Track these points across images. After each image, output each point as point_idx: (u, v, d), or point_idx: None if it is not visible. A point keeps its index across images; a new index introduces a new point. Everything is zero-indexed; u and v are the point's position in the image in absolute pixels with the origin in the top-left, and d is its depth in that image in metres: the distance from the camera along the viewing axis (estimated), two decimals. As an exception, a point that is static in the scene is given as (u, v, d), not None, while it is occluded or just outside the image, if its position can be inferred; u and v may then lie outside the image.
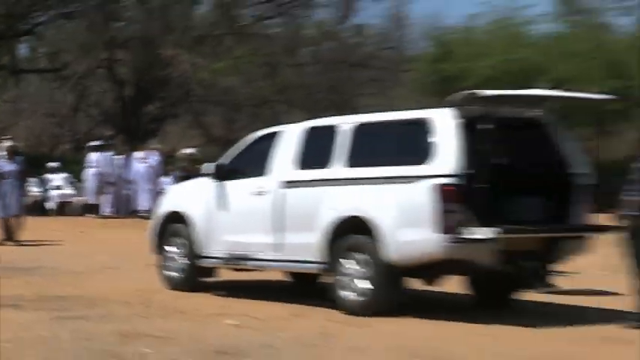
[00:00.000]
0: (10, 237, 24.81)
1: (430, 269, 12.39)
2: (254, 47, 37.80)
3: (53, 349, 9.33)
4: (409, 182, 11.82)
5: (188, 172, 26.79)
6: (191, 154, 31.38)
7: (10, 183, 25.94)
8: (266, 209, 13.78)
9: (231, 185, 14.72)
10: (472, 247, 11.45)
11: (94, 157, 34.31)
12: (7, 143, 26.91)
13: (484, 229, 11.30)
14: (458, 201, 11.40)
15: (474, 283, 13.39)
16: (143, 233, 17.92)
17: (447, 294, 14.09)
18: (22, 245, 24.77)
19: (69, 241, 27.28)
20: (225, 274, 15.89)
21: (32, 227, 27.08)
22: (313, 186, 13.28)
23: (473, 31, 31.36)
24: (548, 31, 35.35)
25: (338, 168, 12.89)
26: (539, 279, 13.10)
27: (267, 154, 14.25)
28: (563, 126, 13.74)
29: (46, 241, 26.47)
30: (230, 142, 19.12)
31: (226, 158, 15.63)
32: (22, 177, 27.35)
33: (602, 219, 13.45)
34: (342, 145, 13.02)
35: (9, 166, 25.76)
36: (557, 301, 14.22)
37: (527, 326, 11.59)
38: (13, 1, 36.36)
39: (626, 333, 11.19)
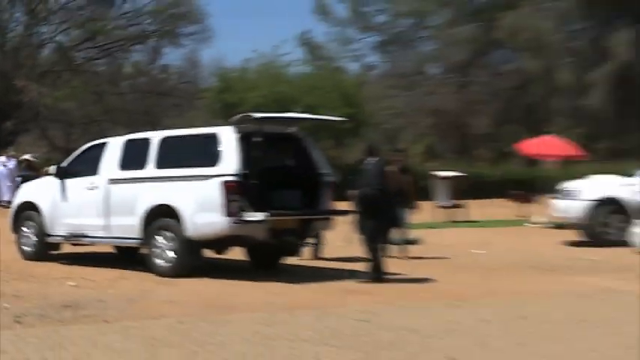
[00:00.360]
0: None
1: (219, 242, 14.45)
2: (86, 80, 41.83)
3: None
4: (203, 179, 13.73)
5: (28, 172, 30.46)
6: (28, 159, 34.37)
7: None
8: (97, 200, 15.42)
9: (70, 182, 16.17)
10: (249, 226, 13.46)
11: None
12: None
13: (257, 213, 13.30)
14: (237, 193, 13.32)
15: (251, 252, 15.38)
16: (6, 219, 19.14)
17: (232, 260, 15.70)
18: None
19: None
20: (68, 249, 17.08)
21: None
22: (132, 182, 14.95)
23: (247, 71, 33.25)
24: (299, 72, 39.14)
25: (150, 169, 14.68)
26: (297, 249, 15.58)
27: (97, 158, 15.82)
28: (312, 139, 15.81)
29: None
30: (69, 151, 20.43)
31: (66, 162, 17.15)
32: None
33: (341, 205, 15.66)
34: (152, 152, 14.85)
35: None
36: (312, 265, 16.28)
37: (291, 282, 13.54)
38: None
39: (362, 286, 13.28)
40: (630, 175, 20.64)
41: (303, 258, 16.90)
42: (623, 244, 16.58)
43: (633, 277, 14.44)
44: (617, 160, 31.92)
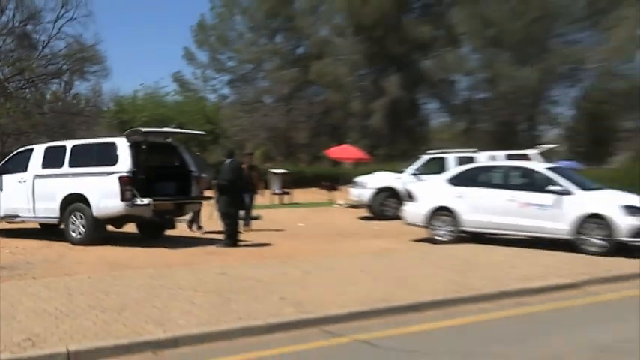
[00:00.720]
0: None
1: (118, 220, 14.39)
2: (17, 103, 39.71)
3: None
4: (105, 175, 13.52)
5: None
6: None
7: None
8: (27, 190, 14.89)
9: (6, 177, 15.54)
10: (138, 208, 13.43)
11: None
12: None
13: (144, 199, 13.34)
14: (129, 184, 13.26)
15: (140, 226, 15.30)
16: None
17: (127, 232, 15.23)
18: None
19: None
20: (6, 226, 15.98)
21: None
22: (52, 177, 14.54)
23: (136, 98, 33.06)
24: (174, 99, 38.26)
25: (65, 168, 14.30)
26: (174, 224, 15.29)
27: (26, 160, 15.26)
28: (183, 147, 15.65)
29: None
30: (4, 155, 19.98)
31: (3, 163, 16.47)
32: None
33: (207, 193, 15.73)
34: (67, 155, 14.43)
35: None
36: (186, 235, 15.77)
37: (170, 248, 13.46)
38: None
39: (221, 250, 13.29)
40: (400, 172, 21.06)
41: (186, 230, 16.50)
42: (397, 218, 16.86)
43: (403, 240, 15.15)
44: (390, 162, 32.66)
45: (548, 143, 37.26)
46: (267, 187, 24.39)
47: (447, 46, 47.40)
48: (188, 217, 16.40)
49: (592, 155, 45.22)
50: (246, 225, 16.47)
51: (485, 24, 45.91)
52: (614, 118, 45.81)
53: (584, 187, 13.53)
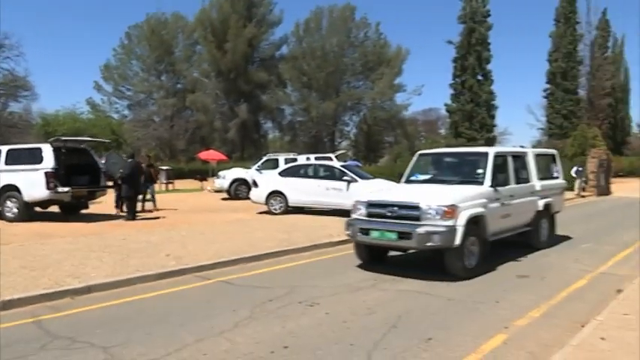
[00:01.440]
0: None
1: (44, 203, 13.05)
2: None
3: None
4: (34, 170, 12.27)
5: None
6: None
7: None
8: None
9: None
10: (60, 194, 12.40)
11: None
12: None
13: (64, 187, 12.42)
14: (53, 177, 12.22)
15: (62, 207, 13.85)
16: None
17: (51, 212, 13.71)
18: None
19: None
20: None
21: None
22: None
23: (58, 115, 30.18)
24: (88, 117, 35.02)
25: (1, 165, 12.73)
26: (87, 205, 14.06)
27: None
28: (94, 150, 14.40)
29: None
30: None
31: None
32: None
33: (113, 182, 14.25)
34: (2, 156, 12.78)
35: None
36: (97, 213, 14.06)
37: (85, 222, 12.41)
38: None
39: (125, 223, 12.41)
40: (248, 168, 20.84)
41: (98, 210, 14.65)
42: (247, 199, 16.64)
43: (251, 213, 14.70)
44: (242, 162, 32.40)
45: (342, 150, 38.94)
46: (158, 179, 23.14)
47: (278, 87, 48.01)
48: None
49: (368, 157, 47.64)
50: (147, 206, 15.56)
51: (301, 73, 47.12)
52: (380, 134, 48.53)
53: (363, 178, 14.01)
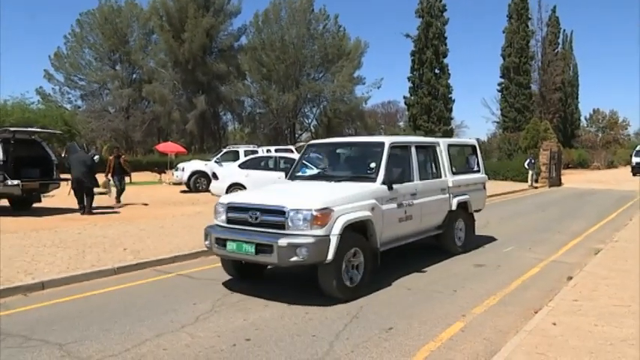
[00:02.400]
0: None
1: None
2: None
3: None
4: None
5: None
6: None
7: None
8: None
9: None
10: (10, 187, 11.84)
11: None
12: None
13: (14, 180, 11.84)
14: (2, 170, 11.60)
15: (12, 201, 13.12)
16: None
17: (4, 207, 13.11)
18: None
19: None
20: None
21: None
22: None
23: (7, 105, 28.41)
24: (38, 107, 32.72)
25: None
26: (39, 199, 13.29)
27: None
28: (45, 142, 13.74)
29: None
30: None
31: None
32: None
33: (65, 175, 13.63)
34: None
35: None
36: (50, 206, 13.46)
37: (37, 217, 11.81)
38: None
39: (82, 217, 11.85)
40: (208, 160, 20.55)
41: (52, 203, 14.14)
42: (206, 191, 16.44)
43: (210, 206, 14.03)
44: (201, 154, 31.93)
45: (302, 142, 38.90)
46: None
47: (237, 78, 47.37)
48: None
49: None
50: (110, 198, 15.18)
51: (261, 64, 46.65)
52: (341, 126, 48.70)
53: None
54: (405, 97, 38.02)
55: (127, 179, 16.32)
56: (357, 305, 5.39)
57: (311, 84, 47.98)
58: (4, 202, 13.34)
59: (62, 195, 14.59)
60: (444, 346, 4.32)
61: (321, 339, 4.45)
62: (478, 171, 9.01)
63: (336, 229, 5.36)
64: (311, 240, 5.20)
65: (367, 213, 5.85)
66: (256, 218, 5.57)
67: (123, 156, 16.43)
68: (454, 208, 7.93)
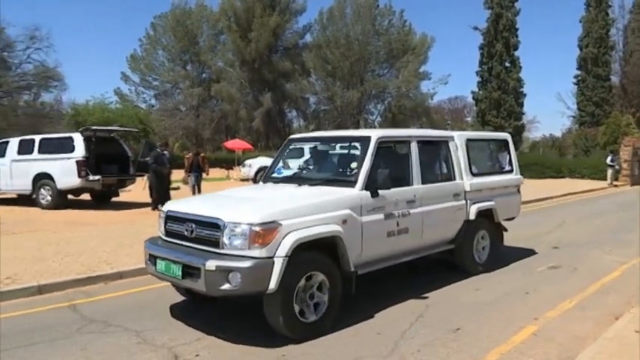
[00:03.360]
0: None
1: (76, 191, 13.40)
2: None
3: None
4: (66, 159, 12.59)
5: None
6: None
7: None
8: (6, 170, 13.50)
9: None
10: (91, 182, 12.68)
11: None
12: None
13: (95, 176, 12.70)
14: (84, 166, 12.49)
15: (93, 195, 14.05)
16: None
17: (83, 199, 13.98)
18: None
19: None
20: None
21: None
22: (25, 161, 13.30)
23: (87, 105, 29.89)
24: (116, 107, 33.79)
25: (35, 154, 13.18)
26: (117, 193, 14.41)
27: (4, 149, 13.81)
28: (123, 139, 14.71)
29: None
30: None
31: None
32: None
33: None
34: (36, 145, 13.25)
35: None
36: (127, 201, 14.23)
37: (115, 210, 12.60)
38: None
39: (150, 211, 12.08)
40: (273, 157, 20.82)
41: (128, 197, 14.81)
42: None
43: None
44: (266, 150, 32.64)
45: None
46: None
47: (302, 76, 47.91)
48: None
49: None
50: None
51: (325, 62, 46.90)
52: (406, 123, 48.06)
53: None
54: (472, 92, 37.05)
55: (203, 175, 16.61)
56: (422, 304, 5.27)
57: (376, 80, 47.68)
58: (86, 197, 14.24)
59: (137, 190, 15.20)
60: (515, 349, 4.14)
61: (386, 337, 4.38)
62: (511, 171, 7.47)
63: (283, 249, 4.13)
64: (246, 264, 4.01)
65: (334, 227, 4.56)
66: (191, 232, 4.49)
67: (202, 154, 16.78)
68: (472, 217, 6.40)
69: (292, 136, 6.66)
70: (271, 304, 4.24)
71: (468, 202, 6.39)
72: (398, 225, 5.29)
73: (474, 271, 6.53)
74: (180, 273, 4.33)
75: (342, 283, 4.65)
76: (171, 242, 4.72)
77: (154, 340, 4.34)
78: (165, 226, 4.84)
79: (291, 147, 6.47)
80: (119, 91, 47.76)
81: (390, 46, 46.72)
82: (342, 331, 4.54)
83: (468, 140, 6.66)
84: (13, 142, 13.95)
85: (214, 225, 4.28)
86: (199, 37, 49.61)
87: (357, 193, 4.95)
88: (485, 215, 6.71)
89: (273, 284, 4.06)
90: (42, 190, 13.04)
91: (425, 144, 6.00)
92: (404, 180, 5.54)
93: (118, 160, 13.87)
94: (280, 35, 47.81)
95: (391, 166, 5.32)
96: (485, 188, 6.68)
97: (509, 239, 7.66)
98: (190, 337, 4.40)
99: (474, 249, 6.60)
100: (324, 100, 49.74)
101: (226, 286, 4.02)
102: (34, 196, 13.22)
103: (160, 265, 4.58)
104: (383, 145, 5.40)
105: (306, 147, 11.72)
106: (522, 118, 37.62)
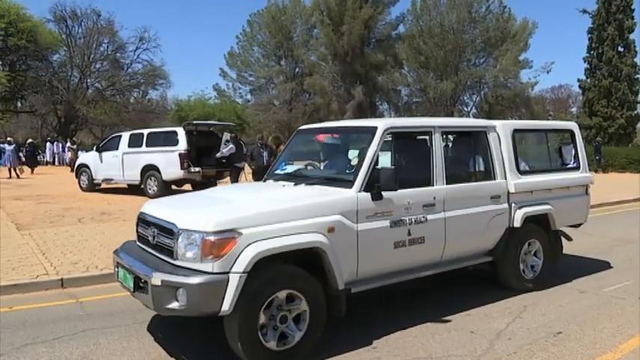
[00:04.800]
0: None
1: (179, 181, 14.08)
2: (110, 105, 40.21)
3: None
4: (170, 152, 13.27)
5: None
6: (71, 146, 28.70)
7: None
8: (117, 162, 14.40)
9: (105, 153, 14.82)
10: (192, 173, 13.38)
11: None
12: None
13: (196, 167, 13.42)
14: (186, 158, 13.21)
15: (194, 185, 14.29)
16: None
17: (185, 189, 14.12)
18: None
19: None
20: (104, 185, 15.58)
21: None
22: (134, 153, 14.08)
23: (189, 101, 31.94)
24: (215, 102, 36.24)
25: (143, 147, 13.93)
26: (216, 184, 14.25)
27: (117, 142, 14.66)
28: (220, 132, 15.02)
29: None
30: (103, 139, 18.30)
31: (100, 143, 15.79)
32: None
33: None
34: (144, 138, 13.97)
35: None
36: None
37: None
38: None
39: None
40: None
41: None
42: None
43: None
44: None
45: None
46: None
47: (394, 67, 47.32)
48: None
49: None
50: None
51: (418, 52, 45.96)
52: (503, 114, 45.85)
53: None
54: (579, 80, 34.47)
55: None
56: (520, 304, 5.04)
57: (471, 70, 45.83)
58: (187, 187, 14.90)
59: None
60: (624, 358, 3.83)
61: (480, 336, 4.25)
62: (577, 168, 6.14)
63: (241, 263, 3.42)
64: (195, 280, 3.36)
65: (314, 237, 3.75)
66: (153, 237, 3.95)
67: (280, 145, 17.33)
68: (518, 224, 5.27)
69: (301, 127, 5.83)
70: (230, 326, 3.56)
71: (513, 205, 5.29)
72: (409, 234, 4.39)
73: (518, 287, 5.48)
74: (132, 284, 3.80)
75: (326, 304, 3.83)
76: (140, 248, 4.21)
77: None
78: (136, 229, 4.36)
79: (297, 141, 5.66)
80: (217, 87, 50.20)
81: (487, 34, 44.63)
82: (436, 325, 4.48)
83: (515, 131, 5.52)
84: (125, 136, 14.89)
85: (170, 231, 3.71)
86: (293, 32, 50.66)
87: (352, 195, 4.13)
88: (538, 221, 5.59)
89: (226, 305, 3.37)
90: (149, 180, 13.96)
91: (453, 135, 5.28)
92: (422, 179, 4.64)
93: (216, 153, 14.36)
94: (372, 27, 47.47)
95: (404, 162, 4.68)
96: (537, 189, 5.50)
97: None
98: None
99: (520, 262, 5.49)
100: (417, 92, 48.79)
101: (174, 305, 3.42)
102: (142, 186, 14.22)
103: (120, 273, 4.07)
104: (394, 138, 4.56)
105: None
106: (637, 107, 34.45)
